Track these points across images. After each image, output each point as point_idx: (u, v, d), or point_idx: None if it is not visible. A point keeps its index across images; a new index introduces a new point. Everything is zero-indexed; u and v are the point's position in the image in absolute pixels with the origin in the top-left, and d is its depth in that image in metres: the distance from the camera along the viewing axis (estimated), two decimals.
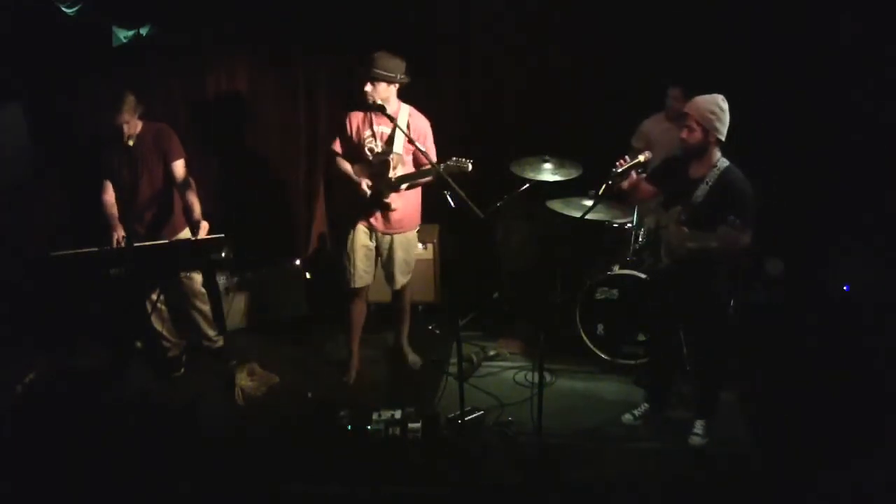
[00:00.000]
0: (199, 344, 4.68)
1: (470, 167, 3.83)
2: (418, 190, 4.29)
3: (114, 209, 4.24)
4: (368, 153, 4.16)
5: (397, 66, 4.00)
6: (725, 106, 3.42)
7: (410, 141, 3.96)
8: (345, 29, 5.02)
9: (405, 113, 4.11)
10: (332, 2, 5.02)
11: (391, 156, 4.09)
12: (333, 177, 4.48)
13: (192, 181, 4.26)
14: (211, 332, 4.63)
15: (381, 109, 3.98)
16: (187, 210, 4.21)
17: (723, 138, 3.44)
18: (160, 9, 4.62)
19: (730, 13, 4.71)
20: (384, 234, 4.30)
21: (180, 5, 4.74)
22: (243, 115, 5.29)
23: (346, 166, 4.23)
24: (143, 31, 4.56)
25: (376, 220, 4.26)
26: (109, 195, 4.24)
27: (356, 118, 4.18)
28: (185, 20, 4.81)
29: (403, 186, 4.11)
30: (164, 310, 4.53)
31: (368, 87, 3.98)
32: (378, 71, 3.96)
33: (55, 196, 4.96)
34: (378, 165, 4.13)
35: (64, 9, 4.20)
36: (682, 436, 3.89)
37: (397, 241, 4.32)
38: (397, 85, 4.03)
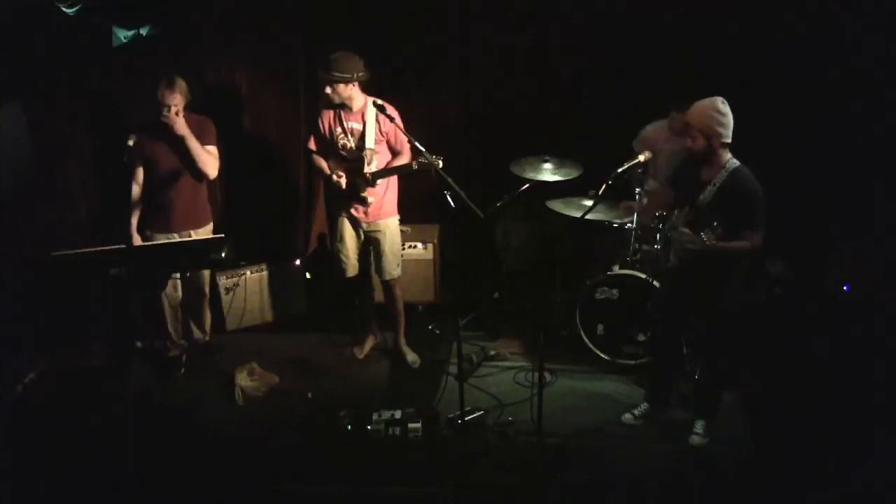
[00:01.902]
0: (190, 338, 4.75)
1: (440, 164, 3.82)
2: (392, 179, 4.39)
3: (137, 207, 4.32)
4: (341, 149, 4.30)
5: (353, 65, 4.13)
6: (725, 108, 3.41)
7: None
8: (345, 29, 5.02)
9: (372, 107, 4.15)
10: (332, 2, 5.02)
11: (364, 151, 4.22)
12: (314, 173, 4.71)
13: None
14: (206, 325, 4.76)
15: (347, 108, 4.21)
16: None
17: (727, 140, 3.43)
18: (160, 8, 4.62)
19: (729, 13, 4.71)
20: (367, 223, 4.43)
21: (180, 5, 4.74)
22: (243, 115, 5.28)
23: (321, 162, 4.41)
24: (143, 31, 4.57)
25: (357, 211, 4.39)
26: (138, 188, 4.31)
27: (327, 116, 4.32)
28: (185, 19, 4.82)
29: (378, 181, 4.26)
30: (178, 308, 4.60)
31: (328, 90, 4.15)
32: (335, 73, 4.10)
33: (56, 196, 4.96)
34: (353, 161, 4.28)
35: (64, 9, 4.20)
36: (682, 436, 3.89)
37: (380, 227, 4.43)
38: (357, 83, 4.16)
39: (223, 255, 3.90)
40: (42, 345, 4.59)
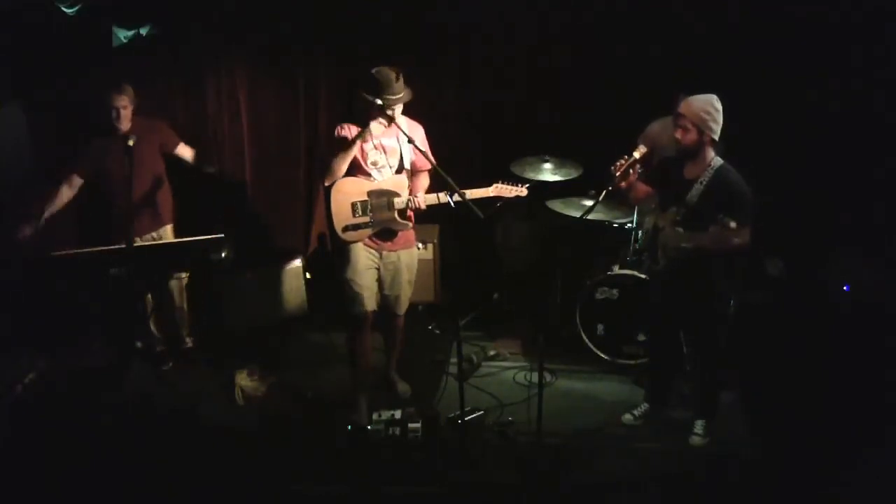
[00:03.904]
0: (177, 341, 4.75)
1: (525, 192, 3.90)
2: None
3: (60, 204, 4.25)
4: (371, 166, 3.89)
5: (402, 82, 3.76)
6: (719, 106, 3.45)
7: (422, 153, 3.76)
8: (345, 29, 5.02)
9: (403, 122, 3.86)
10: (332, 2, 5.02)
11: (403, 172, 3.94)
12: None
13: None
14: (184, 332, 4.74)
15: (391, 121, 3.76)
16: None
17: (716, 138, 3.46)
18: (160, 9, 4.62)
19: (729, 12, 4.71)
20: (391, 251, 4.00)
21: (180, 5, 4.74)
22: (243, 115, 5.28)
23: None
24: (143, 31, 4.57)
25: (383, 238, 3.97)
26: (69, 188, 4.27)
27: (352, 130, 3.89)
28: (185, 20, 4.82)
29: (424, 205, 3.88)
30: (149, 304, 4.59)
31: (385, 113, 3.71)
32: (396, 95, 3.70)
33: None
34: (394, 182, 3.93)
35: (64, 9, 4.20)
36: (682, 436, 3.89)
37: (404, 257, 4.06)
38: None
39: (223, 255, 3.91)
40: (42, 345, 4.59)
